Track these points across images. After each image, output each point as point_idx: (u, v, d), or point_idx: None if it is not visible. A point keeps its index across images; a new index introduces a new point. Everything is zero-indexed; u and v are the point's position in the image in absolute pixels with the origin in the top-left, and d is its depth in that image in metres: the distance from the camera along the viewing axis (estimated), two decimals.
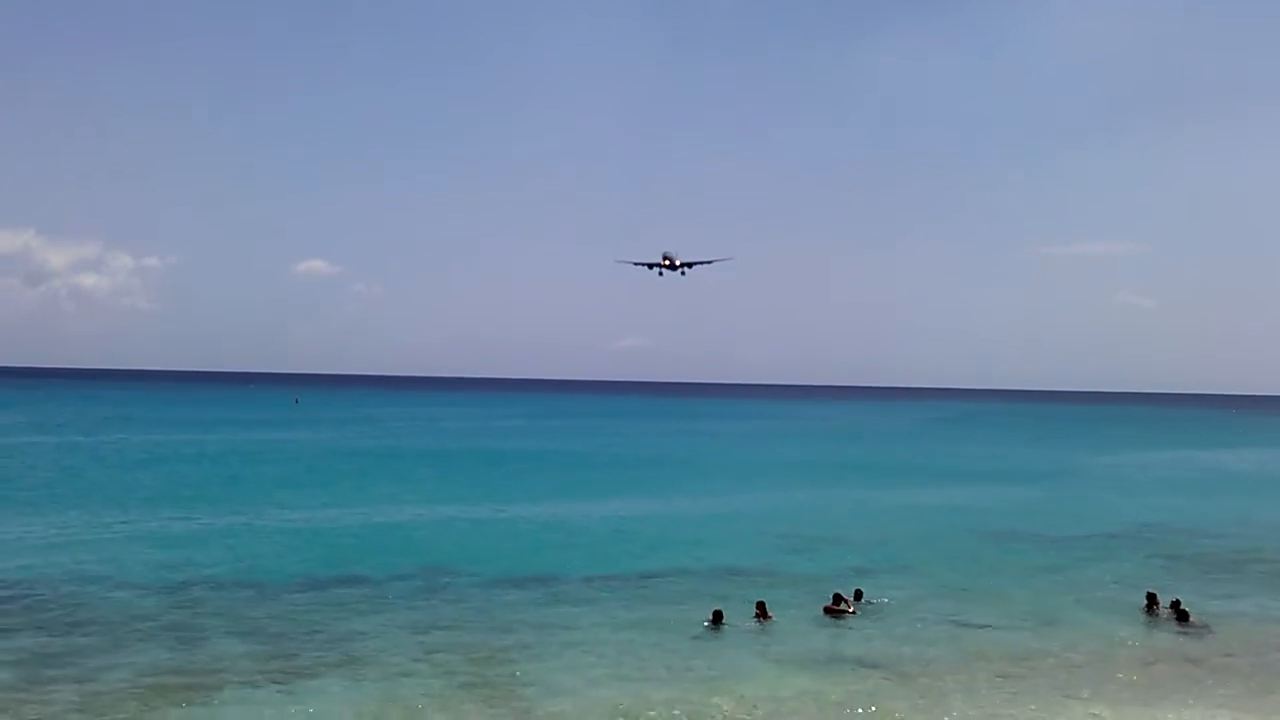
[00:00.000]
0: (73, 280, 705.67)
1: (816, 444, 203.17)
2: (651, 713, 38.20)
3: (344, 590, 58.20)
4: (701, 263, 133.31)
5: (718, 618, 50.45)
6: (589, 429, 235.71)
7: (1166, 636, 51.01)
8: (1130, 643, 49.48)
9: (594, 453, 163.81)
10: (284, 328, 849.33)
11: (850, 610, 53.19)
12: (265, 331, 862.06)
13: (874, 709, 39.06)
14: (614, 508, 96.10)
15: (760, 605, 52.33)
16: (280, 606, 53.77)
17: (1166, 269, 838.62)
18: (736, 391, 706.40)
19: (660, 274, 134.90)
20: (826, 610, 53.22)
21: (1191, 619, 52.98)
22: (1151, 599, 56.06)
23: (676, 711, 38.36)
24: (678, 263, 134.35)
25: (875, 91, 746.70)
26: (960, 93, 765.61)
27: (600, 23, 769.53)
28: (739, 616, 51.20)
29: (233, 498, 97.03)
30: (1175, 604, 54.63)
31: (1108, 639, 50.06)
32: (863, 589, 56.68)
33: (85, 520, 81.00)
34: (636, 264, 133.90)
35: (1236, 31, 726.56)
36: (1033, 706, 39.92)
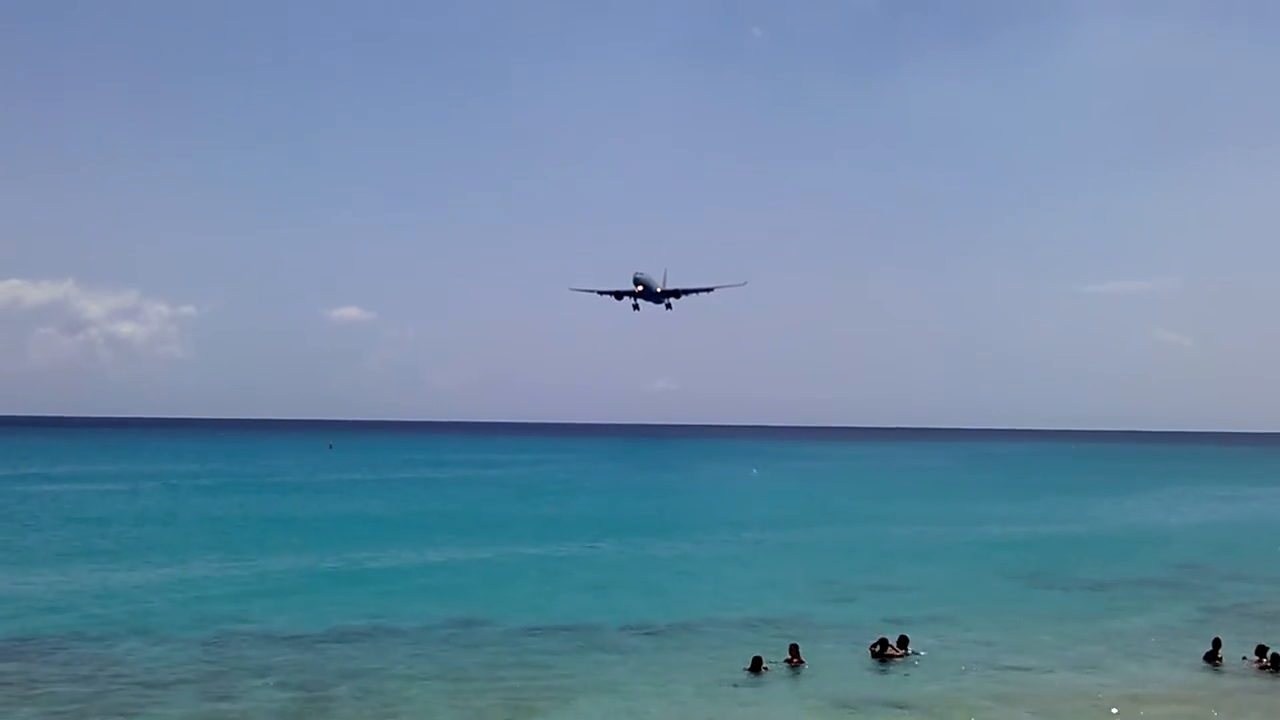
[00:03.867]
0: (110, 329, 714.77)
1: (846, 486, 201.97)
2: None
3: (379, 639, 58.13)
4: (692, 291, 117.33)
5: (757, 664, 50.08)
6: (619, 472, 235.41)
7: (1240, 682, 49.92)
8: (1168, 686, 48.78)
9: (625, 495, 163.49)
10: (318, 374, 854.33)
11: (898, 655, 52.83)
12: (299, 378, 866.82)
13: None
14: (648, 551, 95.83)
15: (793, 649, 51.96)
16: (315, 655, 53.76)
17: (1202, 306, 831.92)
18: (766, 433, 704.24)
19: (635, 307, 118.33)
20: (872, 651, 53.00)
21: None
22: (1216, 645, 53.75)
23: None
24: (659, 289, 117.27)
25: (909, 125, 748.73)
26: (993, 127, 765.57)
27: (633, 53, 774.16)
28: (776, 661, 50.87)
29: (266, 546, 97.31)
30: (1261, 650, 52.43)
31: (1143, 682, 49.45)
32: (907, 635, 56.16)
33: (123, 571, 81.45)
34: (602, 293, 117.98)
35: (1272, 65, 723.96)
36: None
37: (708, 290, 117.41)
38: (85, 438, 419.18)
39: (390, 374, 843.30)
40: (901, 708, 44.31)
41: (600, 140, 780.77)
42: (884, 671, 50.56)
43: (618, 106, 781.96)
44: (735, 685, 48.06)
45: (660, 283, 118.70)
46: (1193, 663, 53.77)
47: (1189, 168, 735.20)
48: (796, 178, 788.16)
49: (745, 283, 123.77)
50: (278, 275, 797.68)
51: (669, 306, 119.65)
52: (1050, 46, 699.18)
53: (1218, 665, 52.81)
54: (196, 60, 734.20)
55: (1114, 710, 44.46)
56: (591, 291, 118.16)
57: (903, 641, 55.07)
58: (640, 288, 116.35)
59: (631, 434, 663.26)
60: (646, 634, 59.68)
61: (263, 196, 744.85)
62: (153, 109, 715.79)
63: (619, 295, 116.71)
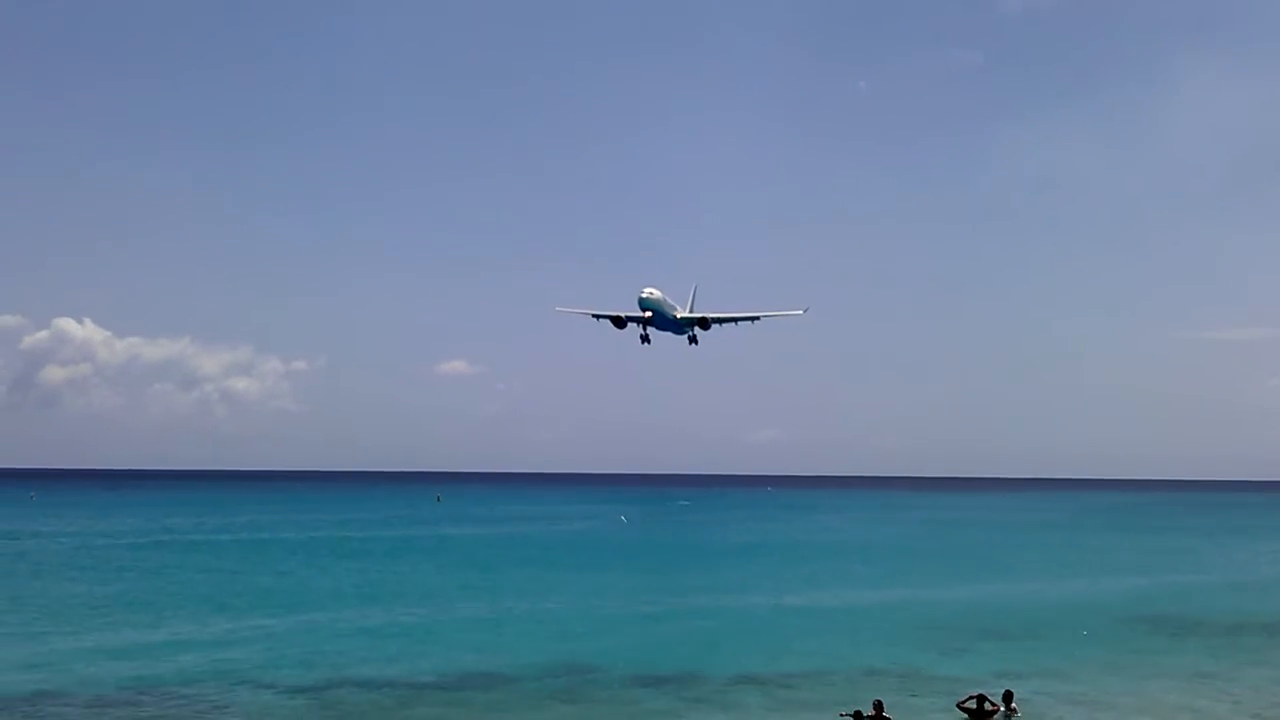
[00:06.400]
0: (225, 384, 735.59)
1: (957, 535, 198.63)
2: None
3: (480, 689, 59.00)
4: (731, 319, 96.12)
5: (858, 717, 49.61)
6: (725, 522, 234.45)
7: None
8: None
9: (730, 547, 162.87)
10: (426, 427, 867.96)
11: (995, 710, 51.72)
12: (408, 431, 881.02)
13: None
14: (752, 603, 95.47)
15: (877, 705, 51.24)
16: (418, 706, 54.88)
17: None
18: (871, 484, 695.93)
19: (644, 339, 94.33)
20: (960, 707, 51.86)
21: None
22: None
23: None
24: (678, 314, 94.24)
25: (1018, 174, 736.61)
26: (1097, 177, 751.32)
27: (736, 107, 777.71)
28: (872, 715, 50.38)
29: (373, 596, 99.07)
30: None
31: None
32: (1012, 690, 55.16)
33: (232, 620, 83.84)
34: (598, 316, 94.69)
35: None
36: None
37: (752, 319, 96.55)
38: (201, 490, 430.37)
39: (496, 427, 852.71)
40: None
41: (698, 196, 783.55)
42: None
43: (719, 161, 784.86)
44: None
45: (684, 305, 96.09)
46: None
47: None
48: (899, 226, 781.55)
49: (805, 310, 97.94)
50: (387, 331, 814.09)
51: (693, 339, 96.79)
52: (1154, 99, 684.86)
53: None
54: (302, 120, 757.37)
55: None
56: (585, 314, 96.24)
57: (1008, 697, 53.78)
58: (648, 313, 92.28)
59: (730, 484, 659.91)
60: (750, 688, 59.71)
61: (369, 254, 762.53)
62: (261, 170, 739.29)
63: (620, 322, 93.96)
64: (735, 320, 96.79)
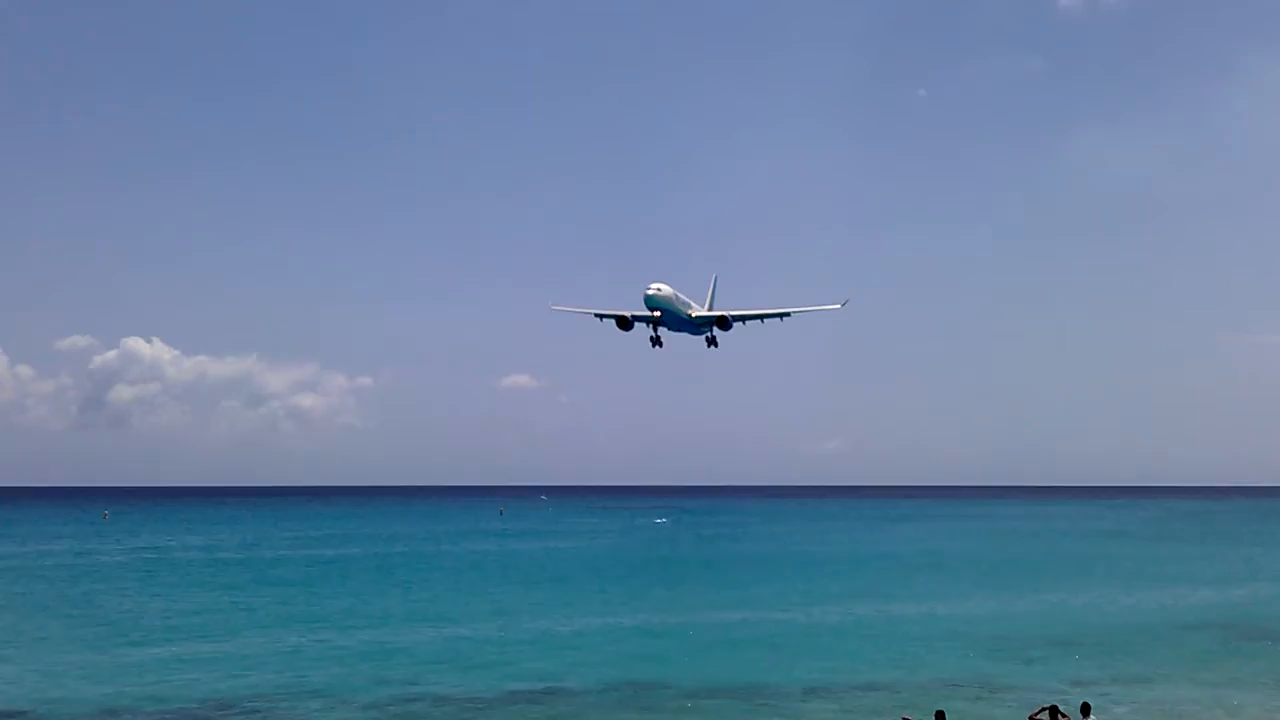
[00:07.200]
0: (291, 401, 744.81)
1: (1024, 544, 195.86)
2: None
3: (549, 701, 59.21)
4: (756, 316, 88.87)
5: None
6: (793, 534, 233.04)
7: None
8: None
9: (799, 557, 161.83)
10: (490, 441, 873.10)
11: None
12: (472, 445, 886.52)
13: None
14: (821, 614, 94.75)
15: (939, 716, 50.54)
16: (489, 718, 55.08)
17: None
18: (934, 493, 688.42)
19: (655, 341, 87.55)
20: (1032, 719, 51.01)
21: None
22: None
23: None
24: (692, 313, 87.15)
25: (1075, 182, 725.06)
26: (1163, 181, 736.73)
27: (795, 113, 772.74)
28: None
29: (442, 612, 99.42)
30: None
31: None
32: (1089, 702, 54.20)
33: (303, 635, 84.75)
34: (601, 316, 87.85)
35: None
36: None
37: (781, 315, 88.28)
38: (269, 506, 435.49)
39: (558, 440, 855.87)
40: None
41: (763, 203, 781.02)
42: None
43: (779, 168, 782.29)
44: None
45: (702, 303, 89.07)
46: None
47: None
48: (960, 233, 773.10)
49: (844, 303, 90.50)
50: (450, 346, 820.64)
51: (712, 341, 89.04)
52: (1218, 101, 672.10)
53: None
54: (368, 138, 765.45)
55: None
56: (585, 313, 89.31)
57: (1085, 709, 52.88)
58: (657, 312, 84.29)
59: (797, 495, 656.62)
60: (822, 698, 59.32)
61: (433, 269, 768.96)
62: (324, 188, 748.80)
63: (626, 322, 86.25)
64: (761, 318, 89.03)
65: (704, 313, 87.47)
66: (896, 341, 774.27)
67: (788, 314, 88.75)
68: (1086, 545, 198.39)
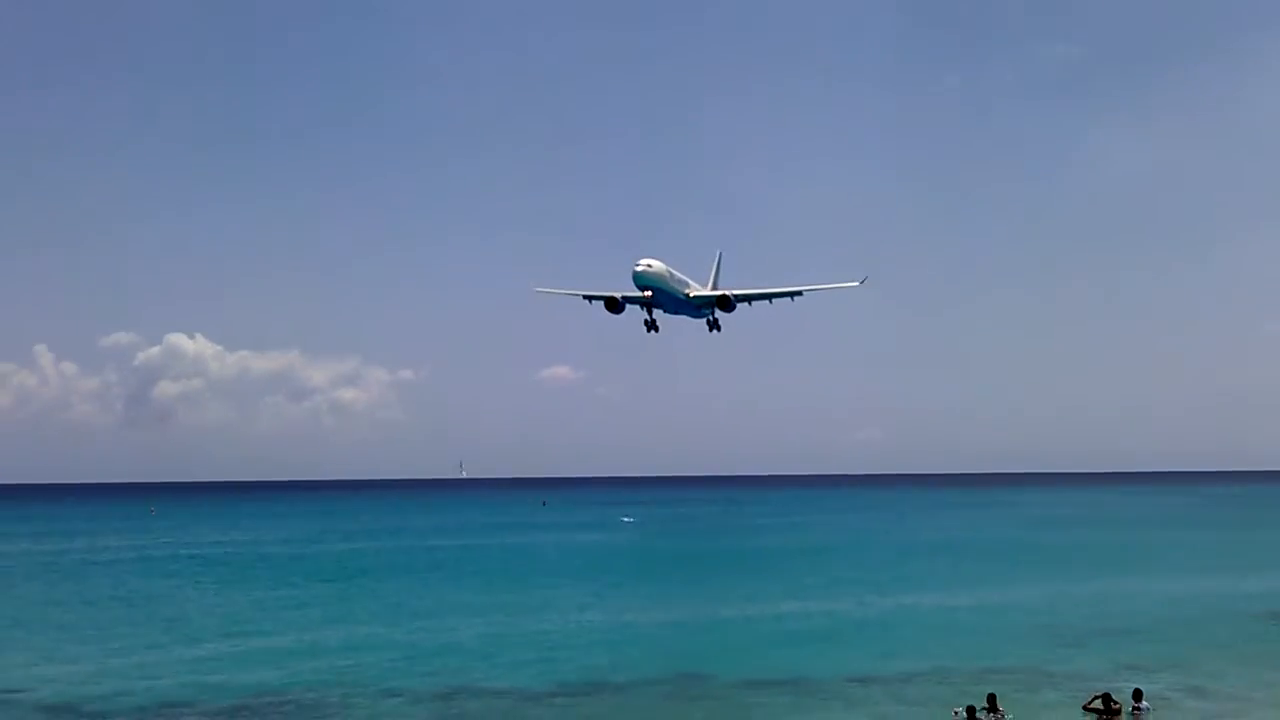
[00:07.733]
0: (333, 395, 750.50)
1: (1068, 532, 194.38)
2: None
3: (595, 696, 59.21)
4: (764, 295, 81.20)
5: (971, 713, 48.84)
6: (832, 524, 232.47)
7: None
8: None
9: (842, 547, 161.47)
10: (530, 433, 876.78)
11: (1120, 708, 50.45)
12: (513, 437, 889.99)
13: None
14: (867, 602, 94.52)
15: (991, 699, 50.27)
16: (536, 710, 55.35)
17: None
18: (969, 481, 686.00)
19: (650, 324, 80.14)
20: (1086, 708, 50.64)
21: None
22: None
23: None
24: (689, 293, 79.31)
25: (1104, 168, 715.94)
26: (1190, 170, 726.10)
27: (825, 95, 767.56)
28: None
29: (491, 604, 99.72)
30: None
31: None
32: (1141, 688, 53.81)
33: (353, 628, 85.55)
34: (590, 298, 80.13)
35: None
36: None
37: (792, 294, 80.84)
38: (316, 501, 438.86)
39: (598, 432, 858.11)
40: None
41: (786, 189, 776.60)
42: None
43: (808, 158, 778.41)
44: None
45: (704, 282, 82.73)
46: None
47: None
48: (994, 222, 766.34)
49: (862, 280, 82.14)
50: (489, 339, 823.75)
51: (714, 324, 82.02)
52: (1249, 88, 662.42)
53: None
54: (397, 139, 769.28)
55: None
56: (572, 295, 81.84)
57: (1137, 695, 52.50)
58: (648, 292, 75.49)
59: (835, 484, 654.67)
60: (869, 686, 59.25)
61: (470, 262, 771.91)
62: (362, 187, 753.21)
63: (616, 304, 78.45)
64: (769, 297, 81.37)
65: (703, 292, 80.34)
66: (931, 330, 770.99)
67: (799, 293, 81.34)
68: (1128, 532, 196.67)
